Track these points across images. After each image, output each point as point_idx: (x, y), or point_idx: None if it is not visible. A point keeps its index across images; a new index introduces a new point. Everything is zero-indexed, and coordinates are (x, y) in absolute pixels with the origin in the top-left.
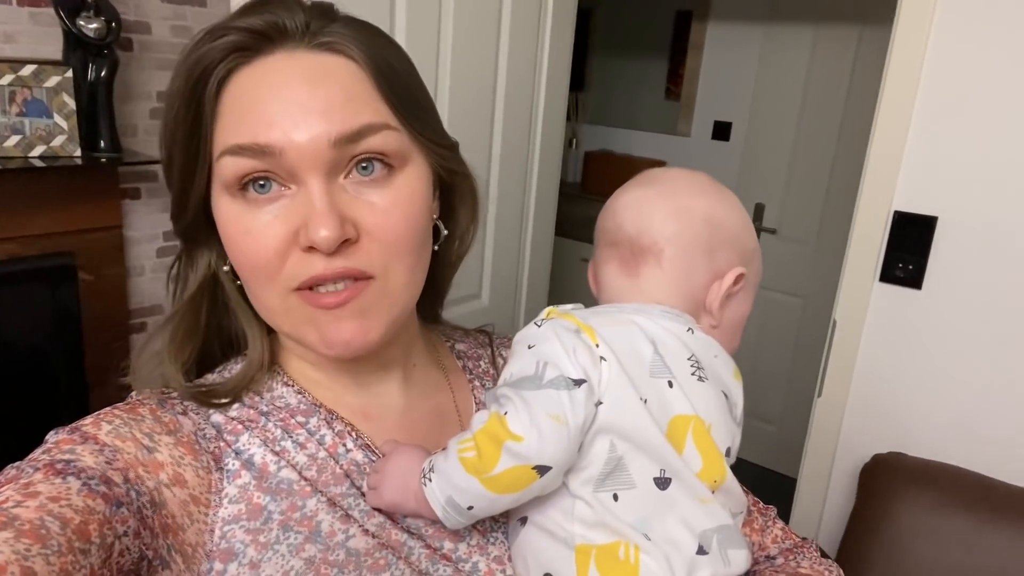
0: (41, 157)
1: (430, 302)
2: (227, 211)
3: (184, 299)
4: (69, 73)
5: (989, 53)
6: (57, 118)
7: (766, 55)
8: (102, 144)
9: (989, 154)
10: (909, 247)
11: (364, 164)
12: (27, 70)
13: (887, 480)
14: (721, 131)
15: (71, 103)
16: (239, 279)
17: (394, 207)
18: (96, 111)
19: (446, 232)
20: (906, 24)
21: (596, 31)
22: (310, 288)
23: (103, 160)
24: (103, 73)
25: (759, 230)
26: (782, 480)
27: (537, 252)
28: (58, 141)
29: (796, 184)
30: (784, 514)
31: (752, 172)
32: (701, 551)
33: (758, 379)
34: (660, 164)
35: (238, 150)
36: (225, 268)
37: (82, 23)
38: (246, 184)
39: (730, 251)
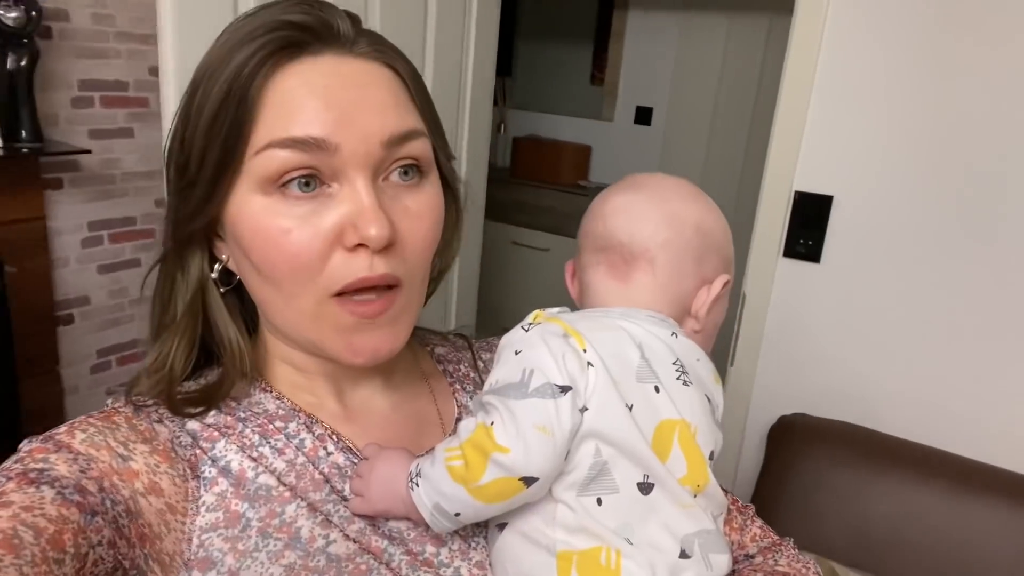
0: None
1: None
2: (260, 209)
3: (184, 306)
4: None
5: (879, 43)
6: None
7: (684, 43)
8: (23, 134)
9: (877, 138)
10: (808, 224)
11: (405, 169)
12: None
13: (791, 439)
14: (643, 116)
15: None
16: (221, 286)
17: (425, 213)
18: (17, 101)
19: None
20: (804, 15)
21: (522, 17)
22: (346, 294)
23: (24, 151)
24: (23, 63)
25: None
26: None
27: (468, 234)
28: None
29: (713, 166)
30: None
31: (672, 155)
32: (684, 555)
33: None
34: (586, 148)
35: (290, 143)
36: (213, 276)
37: (1, 12)
38: (287, 182)
39: (716, 258)
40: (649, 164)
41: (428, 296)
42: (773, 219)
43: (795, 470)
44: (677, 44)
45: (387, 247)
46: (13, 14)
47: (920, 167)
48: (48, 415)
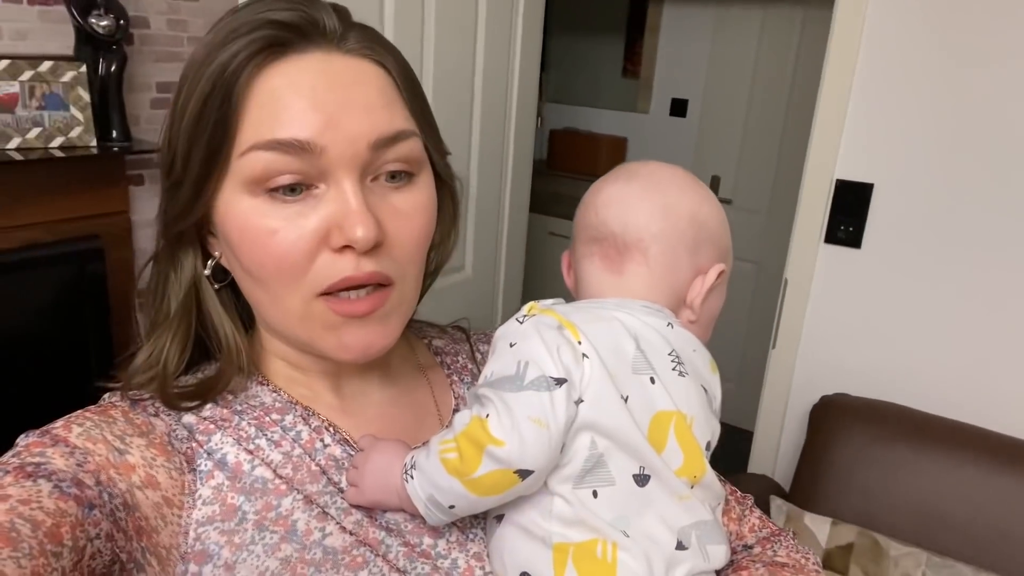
0: (60, 147)
1: None
2: (247, 210)
3: (177, 303)
4: (83, 68)
5: (919, 34)
6: (74, 110)
7: (718, 36)
8: (114, 134)
9: (917, 127)
10: (849, 211)
11: (393, 173)
12: (45, 66)
13: (833, 418)
14: (678, 108)
15: (86, 96)
16: (216, 283)
17: (415, 213)
18: (108, 103)
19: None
20: (845, 6)
21: (553, 12)
22: (333, 292)
23: (116, 149)
24: (113, 68)
25: None
26: (741, 433)
27: (514, 226)
28: (75, 132)
29: (748, 157)
30: (743, 459)
31: (708, 146)
32: (680, 547)
33: (716, 340)
34: (622, 141)
35: (275, 145)
36: (206, 272)
37: (93, 20)
38: (273, 187)
39: (711, 248)
40: (685, 155)
41: (424, 291)
42: (815, 206)
43: (837, 447)
44: (712, 37)
45: (375, 247)
46: (105, 22)
47: (959, 154)
48: None
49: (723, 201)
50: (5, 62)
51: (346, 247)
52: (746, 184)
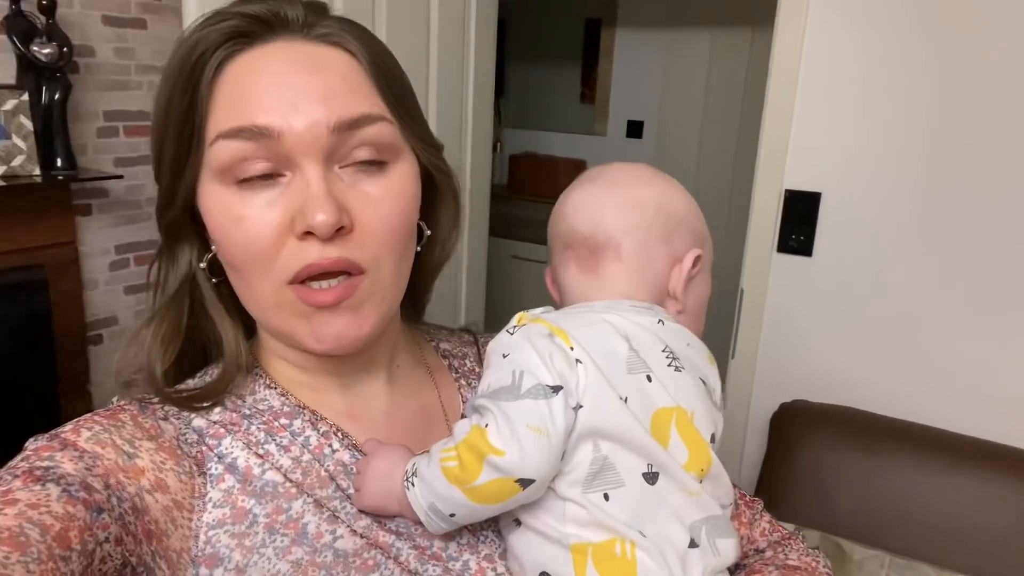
0: (2, 176)
1: (411, 304)
2: (218, 199)
3: (166, 298)
4: (25, 96)
5: (858, 45)
6: (16, 139)
7: (671, 58)
8: (58, 163)
9: (861, 135)
10: (799, 220)
11: (363, 159)
12: None
13: (791, 424)
14: (634, 129)
15: (28, 124)
16: (215, 277)
17: (387, 199)
18: (52, 131)
19: (429, 233)
20: (785, 22)
21: (511, 40)
22: (302, 282)
23: (60, 178)
24: (57, 96)
25: None
26: None
27: (474, 250)
28: (18, 161)
29: (704, 173)
30: None
31: (664, 166)
32: (692, 544)
33: None
34: (581, 163)
35: (235, 133)
36: (202, 265)
37: (36, 48)
38: (240, 171)
39: (684, 235)
40: None
41: (428, 288)
42: (766, 217)
43: (797, 453)
44: (664, 59)
45: (343, 233)
46: (47, 50)
47: (903, 161)
48: None
49: None
50: None
51: (309, 233)
52: (703, 201)
